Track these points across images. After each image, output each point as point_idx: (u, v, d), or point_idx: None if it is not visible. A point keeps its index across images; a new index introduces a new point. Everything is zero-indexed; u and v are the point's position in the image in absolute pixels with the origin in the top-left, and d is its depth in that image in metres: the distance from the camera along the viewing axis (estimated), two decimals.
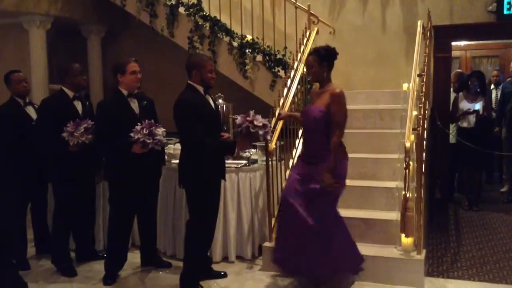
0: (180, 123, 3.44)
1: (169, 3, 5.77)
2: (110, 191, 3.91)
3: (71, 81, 4.00)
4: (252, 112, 3.34)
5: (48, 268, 4.15)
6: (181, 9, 5.75)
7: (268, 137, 3.51)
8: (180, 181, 3.60)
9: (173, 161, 4.29)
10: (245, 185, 4.21)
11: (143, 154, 3.63)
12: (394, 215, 3.87)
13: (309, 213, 3.42)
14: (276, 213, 4.07)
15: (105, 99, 4.25)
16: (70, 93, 4.01)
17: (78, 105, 4.03)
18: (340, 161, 3.46)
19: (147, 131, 3.57)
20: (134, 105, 3.82)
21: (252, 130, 3.27)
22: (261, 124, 3.29)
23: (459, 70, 6.96)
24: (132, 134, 3.57)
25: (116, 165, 3.78)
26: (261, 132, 3.30)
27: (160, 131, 3.62)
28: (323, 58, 3.48)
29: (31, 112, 4.20)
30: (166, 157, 4.34)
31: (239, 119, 3.35)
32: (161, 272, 4.06)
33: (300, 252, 3.49)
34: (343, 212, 4.08)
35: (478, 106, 5.74)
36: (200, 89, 3.52)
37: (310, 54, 3.65)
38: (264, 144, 4.13)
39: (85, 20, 6.76)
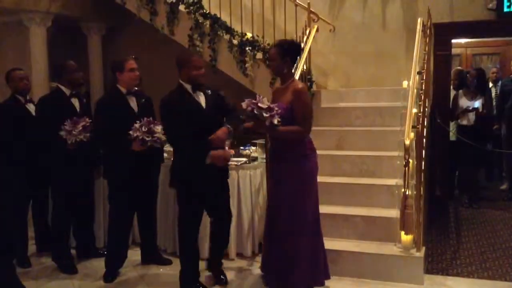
0: (162, 123, 3.51)
1: (169, 0, 5.76)
2: (109, 189, 3.92)
3: (67, 78, 4.01)
4: (259, 96, 3.23)
5: (49, 265, 4.17)
6: (182, 7, 5.75)
7: (275, 121, 3.24)
8: (170, 181, 3.62)
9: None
10: (245, 183, 4.22)
11: (141, 151, 3.64)
12: (394, 213, 3.88)
13: (278, 212, 3.40)
14: None
15: (103, 96, 4.25)
16: (67, 91, 4.01)
17: (76, 103, 4.04)
18: (308, 157, 3.41)
19: (146, 128, 3.58)
20: (133, 103, 3.83)
21: (256, 112, 3.17)
22: (265, 106, 3.17)
23: (459, 67, 6.96)
24: (131, 132, 3.58)
25: (114, 162, 3.79)
26: (266, 115, 3.16)
27: (159, 128, 3.63)
28: (286, 52, 3.38)
29: (32, 109, 4.21)
30: (166, 154, 4.35)
31: (245, 102, 3.24)
32: (161, 269, 4.07)
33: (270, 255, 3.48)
34: (343, 210, 4.11)
35: (477, 103, 5.74)
36: (188, 87, 3.46)
37: (273, 46, 3.50)
38: (264, 142, 4.14)
39: (85, 17, 6.76)
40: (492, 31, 5.81)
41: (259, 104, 3.18)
